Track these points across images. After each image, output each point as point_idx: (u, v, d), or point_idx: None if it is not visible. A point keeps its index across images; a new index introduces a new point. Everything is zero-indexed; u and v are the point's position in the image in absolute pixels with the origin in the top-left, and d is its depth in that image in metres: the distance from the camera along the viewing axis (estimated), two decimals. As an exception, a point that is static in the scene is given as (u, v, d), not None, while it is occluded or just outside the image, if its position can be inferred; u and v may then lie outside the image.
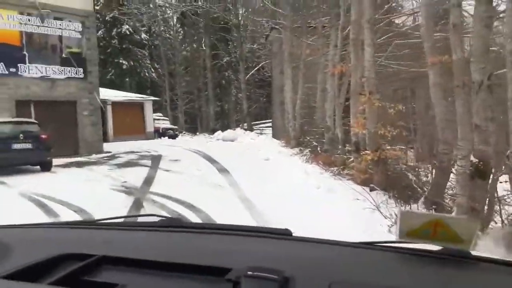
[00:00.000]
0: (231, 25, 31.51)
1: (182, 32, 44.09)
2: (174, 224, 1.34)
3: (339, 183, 7.77)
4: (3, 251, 1.02)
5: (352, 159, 8.69)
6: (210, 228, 1.34)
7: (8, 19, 14.23)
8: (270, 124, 31.51)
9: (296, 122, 14.86)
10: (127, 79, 37.50)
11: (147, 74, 39.68)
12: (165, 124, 28.86)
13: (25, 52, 14.64)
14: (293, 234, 1.20)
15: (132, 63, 38.14)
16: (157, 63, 42.78)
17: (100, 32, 38.02)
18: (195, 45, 39.88)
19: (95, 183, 8.39)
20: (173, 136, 28.24)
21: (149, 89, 39.11)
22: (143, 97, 27.23)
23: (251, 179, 8.54)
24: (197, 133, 35.89)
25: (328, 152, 10.55)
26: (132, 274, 0.93)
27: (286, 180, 8.49)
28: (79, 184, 8.39)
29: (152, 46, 42.81)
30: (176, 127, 29.89)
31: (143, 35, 40.42)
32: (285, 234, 1.20)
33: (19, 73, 14.52)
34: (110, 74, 38.05)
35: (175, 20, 41.91)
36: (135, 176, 9.22)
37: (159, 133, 27.96)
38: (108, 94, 25.23)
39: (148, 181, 8.64)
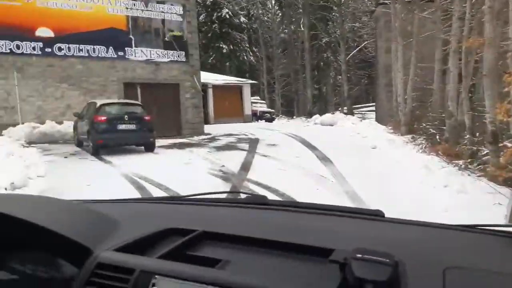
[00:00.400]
0: (332, 3, 29.82)
1: (280, 14, 43.38)
2: (262, 201, 1.35)
3: (469, 181, 6.36)
4: (112, 225, 1.05)
5: (485, 151, 7.15)
6: (299, 207, 1.31)
7: (115, 4, 14.78)
8: (372, 108, 29.51)
9: (407, 106, 13.22)
10: (227, 63, 38.09)
11: (245, 58, 39.89)
12: (262, 107, 28.63)
13: (131, 36, 15.14)
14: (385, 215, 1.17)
15: (231, 47, 38.58)
16: (255, 46, 42.80)
17: (201, 17, 39.09)
18: (293, 27, 38.89)
19: (194, 167, 8.12)
20: (270, 120, 27.91)
21: (247, 73, 39.33)
22: (242, 81, 27.19)
23: (359, 171, 7.52)
24: (294, 117, 35.18)
25: (450, 142, 8.99)
26: (232, 250, 0.94)
27: (402, 174, 7.30)
28: (179, 168, 8.18)
29: (251, 30, 42.89)
30: (273, 110, 29.50)
31: (242, 19, 40.56)
32: (377, 215, 1.18)
33: (126, 56, 15.08)
34: (211, 58, 39.00)
35: (273, 1, 41.26)
36: (233, 160, 8.79)
37: (257, 116, 27.83)
38: (209, 77, 25.64)
39: (246, 166, 8.11)
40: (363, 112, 31.12)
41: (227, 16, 38.13)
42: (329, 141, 11.90)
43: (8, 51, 12.89)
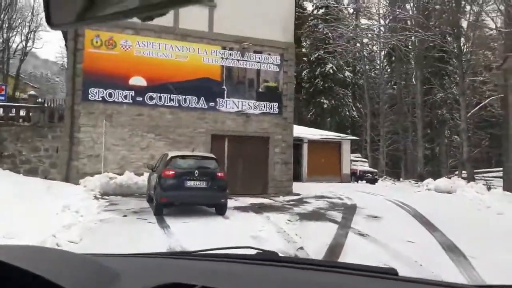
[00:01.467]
0: (451, 54, 26.79)
1: (388, 68, 41.00)
2: (271, 258, 1.34)
3: None
4: (113, 278, 1.05)
5: None
6: (310, 264, 1.30)
7: (211, 54, 14.26)
8: (497, 174, 24.88)
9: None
10: (328, 119, 36.46)
11: (348, 113, 37.90)
12: (363, 166, 25.96)
13: (224, 87, 14.39)
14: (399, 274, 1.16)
15: (333, 102, 37.06)
16: (359, 102, 40.73)
17: (304, 72, 38.66)
18: (403, 82, 36.08)
19: (261, 243, 6.25)
20: (372, 181, 25.02)
21: (348, 129, 37.05)
22: (341, 136, 25.13)
23: None
24: (400, 179, 31.52)
25: None
26: None
27: None
28: (246, 241, 6.40)
29: (356, 85, 41.13)
30: (375, 170, 26.60)
31: (347, 73, 39.12)
32: (390, 273, 1.17)
33: (217, 107, 14.28)
34: (311, 113, 37.83)
35: (382, 55, 39.22)
36: (317, 238, 6.76)
37: (356, 176, 25.21)
38: (304, 132, 24.15)
39: (333, 252, 5.97)
40: (486, 178, 26.43)
41: (331, 71, 37.04)
42: (452, 217, 9.15)
43: (100, 99, 12.88)
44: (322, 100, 36.60)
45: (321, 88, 37.24)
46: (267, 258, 1.31)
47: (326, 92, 37.18)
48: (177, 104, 13.80)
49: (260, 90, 14.89)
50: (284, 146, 15.06)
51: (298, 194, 14.50)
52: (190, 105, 13.94)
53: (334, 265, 1.22)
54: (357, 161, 25.97)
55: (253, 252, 1.38)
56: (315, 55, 37.59)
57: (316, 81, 37.43)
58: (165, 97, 13.65)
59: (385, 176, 31.69)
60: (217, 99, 14.28)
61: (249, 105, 14.66)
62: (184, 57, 13.97)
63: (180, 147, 13.55)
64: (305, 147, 23.46)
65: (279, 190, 14.68)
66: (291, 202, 12.04)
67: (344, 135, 26.30)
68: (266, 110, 14.87)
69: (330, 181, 23.35)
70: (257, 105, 14.77)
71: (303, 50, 39.24)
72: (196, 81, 14.02)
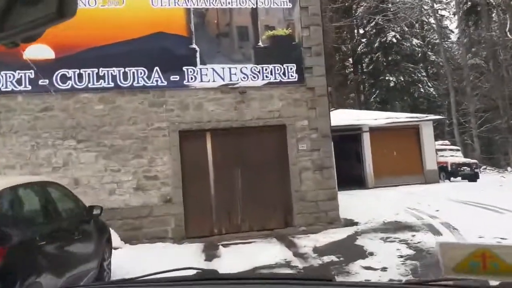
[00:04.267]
0: None
1: (467, 31, 32.03)
2: (210, 277, 1.35)
3: None
4: None
5: None
6: (248, 278, 1.34)
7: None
8: None
9: None
10: (396, 101, 28.60)
11: (422, 91, 29.72)
12: (455, 157, 18.18)
13: (194, 45, 8.25)
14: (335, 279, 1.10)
15: (402, 79, 29.20)
16: (433, 79, 32.33)
17: (360, 47, 31.28)
18: (494, 39, 27.31)
19: None
20: (472, 177, 17.27)
21: (425, 112, 28.72)
22: (419, 117, 17.65)
23: None
24: (509, 169, 22.94)
25: None
26: None
27: None
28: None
29: (427, 58, 32.86)
30: (475, 161, 18.66)
31: (415, 41, 31.03)
32: (325, 279, 1.20)
33: (186, 82, 8.19)
34: (374, 96, 30.28)
35: (460, 13, 30.43)
36: None
37: (447, 172, 17.61)
38: (363, 116, 17.19)
39: None
40: None
41: (394, 41, 29.23)
42: None
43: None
44: (387, 78, 28.93)
45: (385, 63, 29.58)
46: (206, 277, 1.33)
47: (390, 67, 29.45)
48: (111, 84, 7.88)
49: (261, 44, 8.49)
50: (316, 138, 8.46)
51: (354, 223, 7.96)
52: (135, 83, 7.95)
53: (272, 277, 1.31)
54: (444, 150, 18.26)
55: (194, 272, 1.38)
56: (371, 24, 30.09)
57: (377, 55, 29.81)
58: (89, 74, 7.80)
59: (484, 167, 23.35)
60: (184, 69, 8.12)
61: (243, 73, 8.33)
62: (116, 2, 8.02)
63: (120, 159, 7.64)
64: (366, 138, 16.50)
65: (315, 217, 8.15)
66: (329, 247, 5.63)
67: (424, 115, 18.70)
68: (275, 77, 8.43)
69: (408, 183, 16.21)
70: (258, 72, 8.38)
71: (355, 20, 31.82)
72: (143, 41, 8.01)
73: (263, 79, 8.36)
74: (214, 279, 1.30)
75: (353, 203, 9.88)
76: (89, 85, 7.78)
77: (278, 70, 8.40)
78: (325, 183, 8.36)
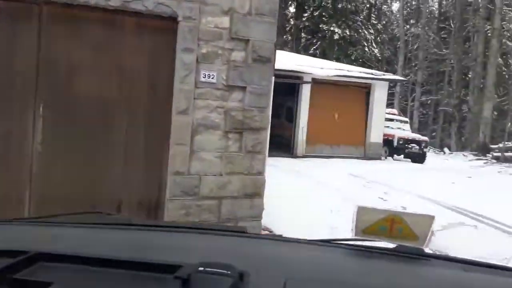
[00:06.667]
0: None
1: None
2: (122, 222, 1.29)
3: None
4: None
5: None
6: (161, 226, 1.28)
7: None
8: None
9: None
10: (340, 56, 25.05)
11: (366, 50, 26.55)
12: (403, 130, 15.11)
13: None
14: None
15: (347, 33, 25.64)
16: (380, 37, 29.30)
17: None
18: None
19: None
20: (420, 157, 14.38)
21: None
22: (374, 74, 14.00)
23: None
24: (445, 149, 20.87)
25: None
26: (70, 272, 0.87)
27: None
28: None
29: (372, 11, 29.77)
30: (425, 138, 15.77)
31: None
32: (239, 231, 1.20)
33: None
34: (314, 47, 26.49)
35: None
36: None
37: (391, 147, 14.53)
38: (306, 63, 13.19)
39: None
40: None
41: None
42: None
43: None
44: (332, 29, 25.12)
45: (330, 11, 25.63)
46: (120, 222, 1.26)
47: (338, 17, 25.62)
48: None
49: None
50: (241, 61, 4.07)
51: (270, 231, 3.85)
52: None
53: (189, 226, 1.23)
54: (392, 120, 15.06)
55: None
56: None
57: (322, 2, 25.67)
58: None
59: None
60: None
61: None
62: None
63: None
64: (305, 91, 12.57)
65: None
66: None
67: (381, 72, 15.15)
68: None
69: (347, 157, 12.88)
70: None
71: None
72: None
73: None
74: (127, 224, 1.21)
75: (272, 185, 5.85)
76: None
77: None
78: (247, 163, 4.16)
